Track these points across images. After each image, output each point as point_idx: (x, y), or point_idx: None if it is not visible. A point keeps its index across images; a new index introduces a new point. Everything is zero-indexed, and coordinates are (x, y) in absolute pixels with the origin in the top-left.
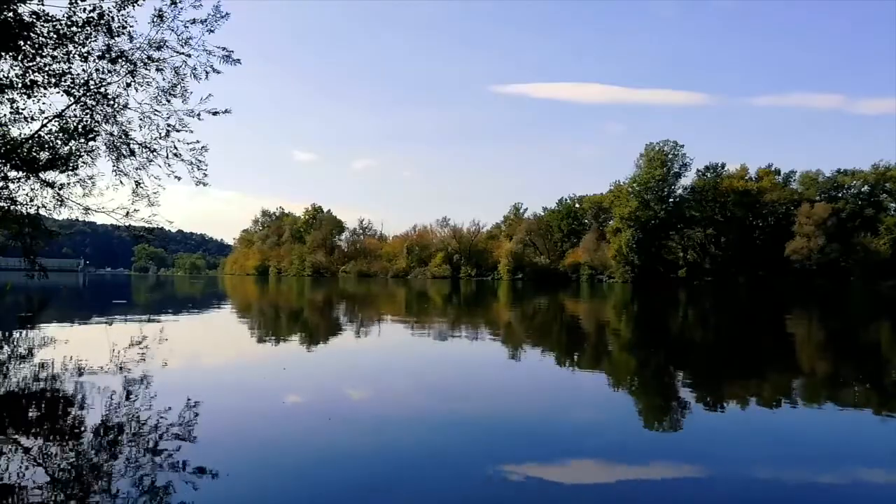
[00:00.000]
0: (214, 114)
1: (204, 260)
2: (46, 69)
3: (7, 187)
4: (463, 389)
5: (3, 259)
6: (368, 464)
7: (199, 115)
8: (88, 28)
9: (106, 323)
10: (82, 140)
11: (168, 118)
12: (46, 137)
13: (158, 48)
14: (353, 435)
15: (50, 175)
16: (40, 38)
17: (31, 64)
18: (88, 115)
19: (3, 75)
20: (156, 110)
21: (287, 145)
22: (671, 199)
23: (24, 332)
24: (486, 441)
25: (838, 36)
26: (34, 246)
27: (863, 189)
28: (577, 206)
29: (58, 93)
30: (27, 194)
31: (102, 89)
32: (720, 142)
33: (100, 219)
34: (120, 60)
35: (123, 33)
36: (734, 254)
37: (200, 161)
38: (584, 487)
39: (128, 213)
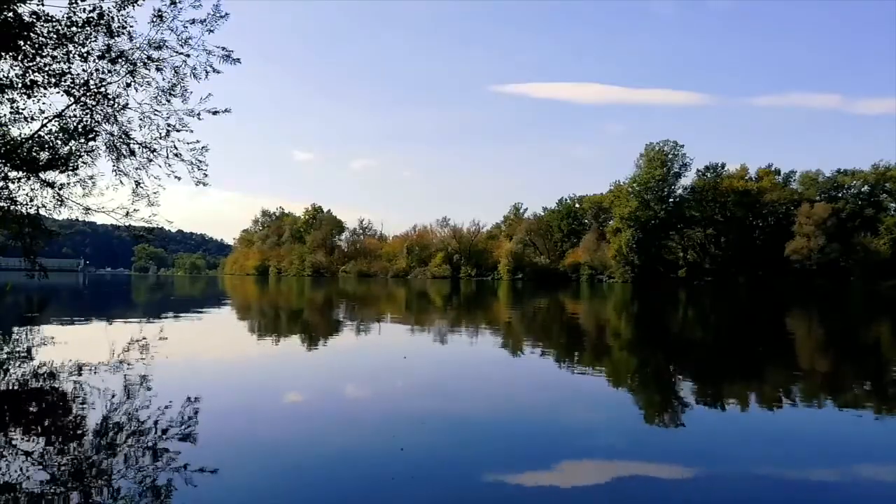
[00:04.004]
0: (214, 113)
1: (204, 260)
2: (46, 69)
3: (7, 187)
4: (463, 390)
5: (3, 259)
6: (367, 464)
7: (199, 114)
8: (88, 28)
9: (106, 323)
10: (82, 140)
11: (168, 118)
12: (46, 137)
13: (158, 48)
14: (352, 435)
15: (50, 175)
16: (40, 38)
17: (31, 64)
18: (88, 115)
19: (3, 75)
20: (156, 110)
21: (287, 145)
22: (671, 199)
23: (25, 331)
24: (486, 442)
25: (837, 36)
26: (34, 246)
27: (863, 189)
28: (577, 206)
29: (58, 93)
30: (27, 194)
31: (102, 89)
32: (720, 142)
33: (100, 219)
34: (120, 60)
35: (123, 33)
36: (734, 254)
37: (200, 161)
38: (583, 489)
39: (128, 213)
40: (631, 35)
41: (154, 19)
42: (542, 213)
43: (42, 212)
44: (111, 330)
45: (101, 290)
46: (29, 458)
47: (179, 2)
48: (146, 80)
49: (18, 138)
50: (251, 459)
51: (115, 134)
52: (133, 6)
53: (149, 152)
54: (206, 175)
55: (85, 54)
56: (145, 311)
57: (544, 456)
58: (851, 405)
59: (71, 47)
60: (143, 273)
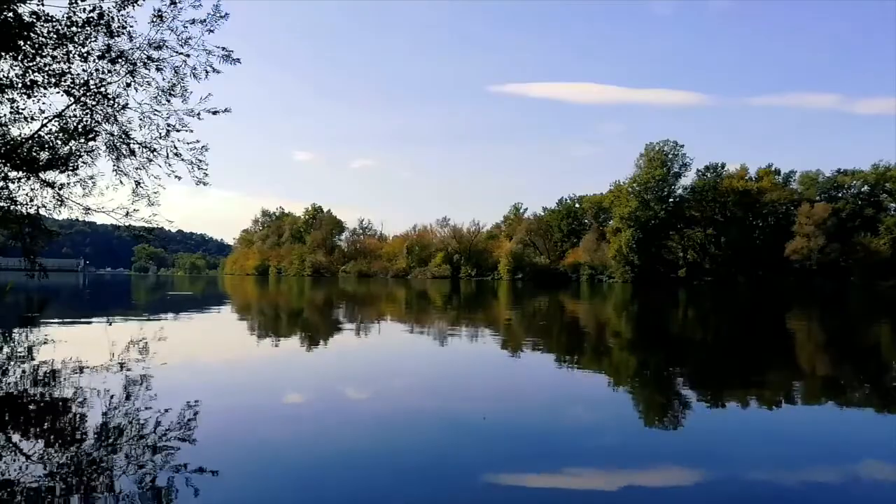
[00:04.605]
0: (214, 113)
1: (204, 260)
2: (46, 69)
3: (7, 187)
4: (462, 390)
5: (3, 259)
6: (367, 465)
7: (198, 114)
8: (88, 28)
9: (106, 322)
10: (82, 140)
11: (168, 118)
12: (46, 137)
13: (158, 48)
14: (352, 436)
15: (50, 175)
16: (40, 38)
17: (31, 64)
18: (88, 115)
19: (3, 75)
20: (156, 110)
21: (287, 145)
22: (671, 199)
23: (25, 331)
24: (486, 443)
25: (837, 36)
26: (34, 246)
27: (863, 189)
28: (577, 206)
29: (58, 93)
30: (27, 194)
31: (102, 89)
32: (720, 142)
33: (100, 219)
34: (120, 60)
35: (123, 33)
36: (734, 254)
37: (200, 160)
38: (582, 489)
39: (128, 213)
40: (630, 35)
41: (154, 19)
42: (542, 213)
43: (42, 212)
44: (111, 330)
45: (100, 290)
46: (29, 460)
47: (179, 2)
48: (146, 80)
49: (18, 138)
50: (252, 460)
51: (115, 134)
52: (133, 6)
53: (149, 152)
54: (206, 174)
55: (85, 54)
56: (145, 311)
57: (544, 456)
58: (852, 405)
59: (71, 47)
60: (143, 273)
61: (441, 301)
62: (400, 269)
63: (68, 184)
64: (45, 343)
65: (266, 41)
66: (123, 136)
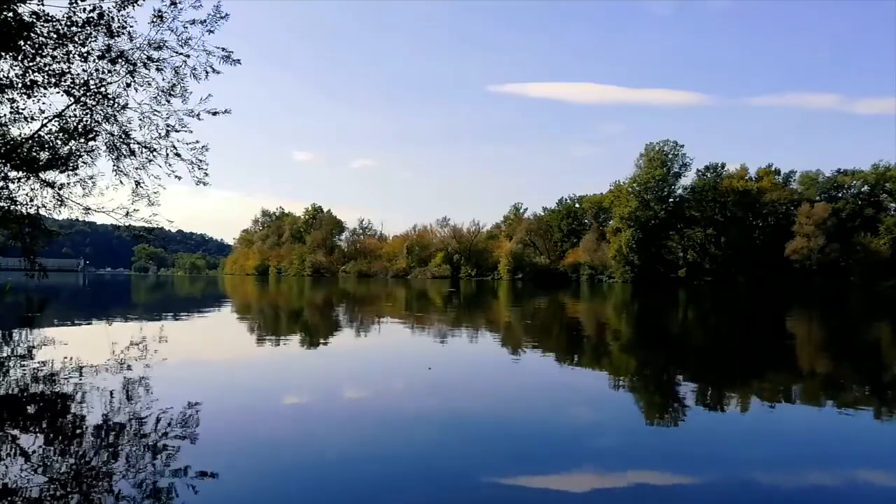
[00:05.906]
0: (214, 114)
1: (204, 260)
2: (46, 69)
3: (7, 187)
4: (462, 391)
5: (3, 259)
6: (367, 466)
7: (198, 115)
8: (88, 28)
9: (106, 323)
10: (82, 140)
11: (168, 118)
12: (46, 137)
13: (158, 48)
14: (351, 437)
15: (50, 175)
16: (40, 38)
17: (31, 64)
18: (88, 115)
19: (3, 75)
20: (156, 110)
21: (287, 145)
22: (671, 199)
23: (25, 331)
24: (486, 442)
25: (837, 36)
26: (34, 246)
27: (863, 189)
28: (576, 206)
29: (58, 93)
30: (27, 194)
31: (102, 89)
32: (720, 142)
33: (100, 219)
34: (120, 60)
35: (123, 33)
36: (734, 254)
37: (201, 160)
38: (582, 489)
39: (128, 212)
40: (630, 35)
41: (154, 20)
42: (542, 213)
43: (42, 212)
44: (111, 330)
45: (100, 290)
46: (28, 461)
47: (180, 2)
48: (146, 80)
49: (18, 138)
50: (252, 460)
51: (115, 134)
52: (133, 6)
53: (149, 152)
54: (206, 174)
55: (85, 54)
56: (145, 311)
57: (544, 456)
58: (851, 406)
59: (71, 47)
60: (143, 273)
61: (441, 301)
62: (400, 269)
63: (68, 184)
64: (44, 343)
65: (266, 41)
66: (123, 136)
